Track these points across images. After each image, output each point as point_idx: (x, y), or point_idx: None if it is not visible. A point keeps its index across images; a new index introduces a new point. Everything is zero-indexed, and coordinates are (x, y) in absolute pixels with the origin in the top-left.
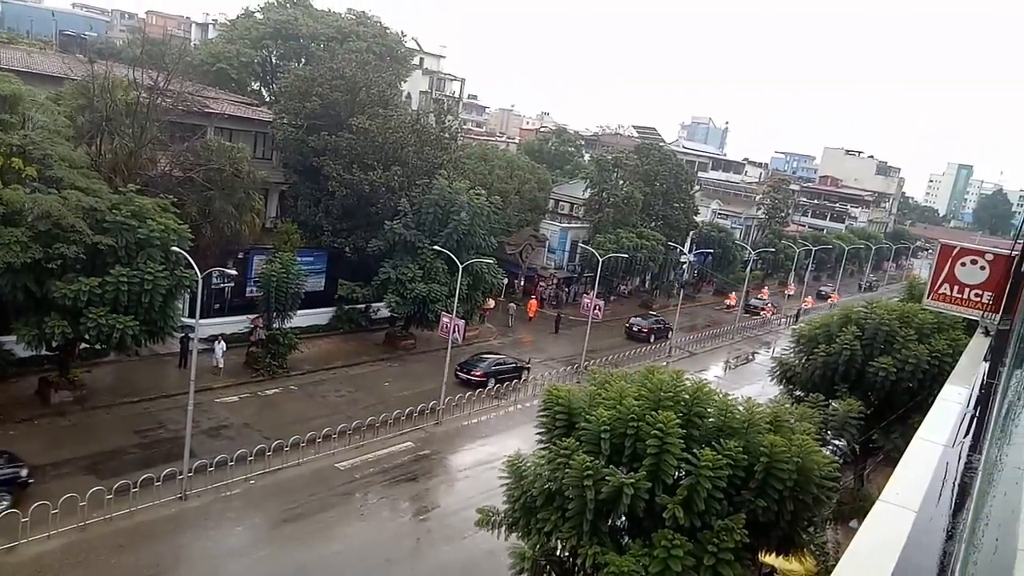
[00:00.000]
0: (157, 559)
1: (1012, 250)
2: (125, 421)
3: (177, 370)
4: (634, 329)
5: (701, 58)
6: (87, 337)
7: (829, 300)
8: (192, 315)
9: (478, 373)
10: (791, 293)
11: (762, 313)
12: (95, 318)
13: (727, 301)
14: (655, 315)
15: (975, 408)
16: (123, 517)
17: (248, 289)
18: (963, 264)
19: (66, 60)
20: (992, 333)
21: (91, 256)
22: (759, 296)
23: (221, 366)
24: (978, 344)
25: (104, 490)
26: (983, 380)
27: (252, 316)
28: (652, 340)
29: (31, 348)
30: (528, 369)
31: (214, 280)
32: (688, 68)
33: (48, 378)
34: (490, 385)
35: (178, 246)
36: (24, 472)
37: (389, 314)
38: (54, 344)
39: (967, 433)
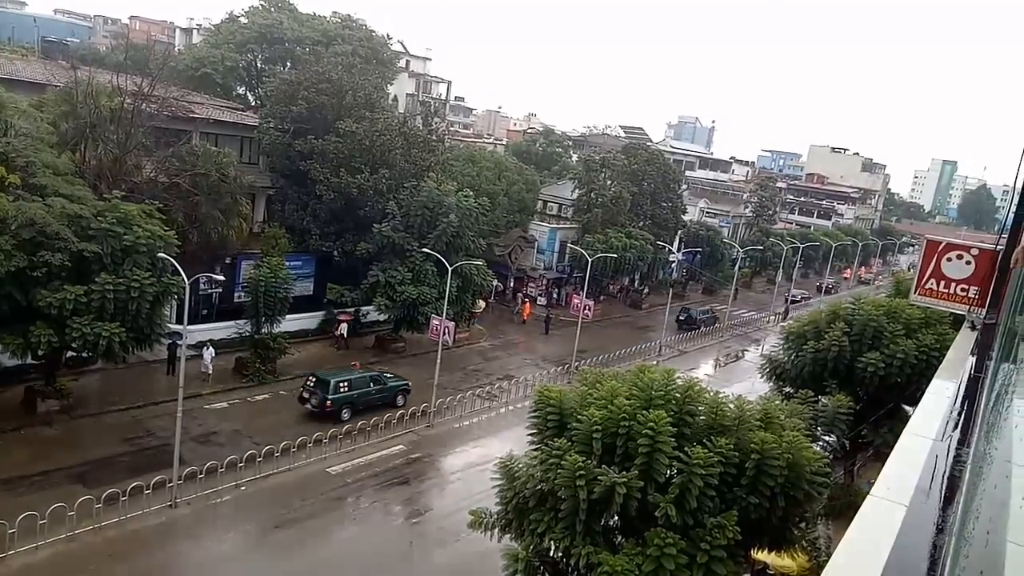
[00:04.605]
0: (148, 568)
1: (997, 244)
2: (113, 429)
3: (165, 377)
4: None
5: (687, 57)
6: (73, 345)
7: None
8: (180, 321)
9: None
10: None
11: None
12: (81, 326)
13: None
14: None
15: (963, 402)
16: (113, 526)
17: (236, 294)
18: (949, 259)
19: (49, 66)
20: (978, 327)
21: (76, 264)
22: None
23: (210, 372)
24: (965, 338)
25: (93, 499)
26: (970, 374)
27: (339, 311)
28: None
29: (16, 357)
30: None
31: (201, 286)
32: (674, 67)
33: (34, 387)
34: None
35: (164, 252)
36: None
37: (377, 317)
38: (40, 353)
39: (956, 427)
